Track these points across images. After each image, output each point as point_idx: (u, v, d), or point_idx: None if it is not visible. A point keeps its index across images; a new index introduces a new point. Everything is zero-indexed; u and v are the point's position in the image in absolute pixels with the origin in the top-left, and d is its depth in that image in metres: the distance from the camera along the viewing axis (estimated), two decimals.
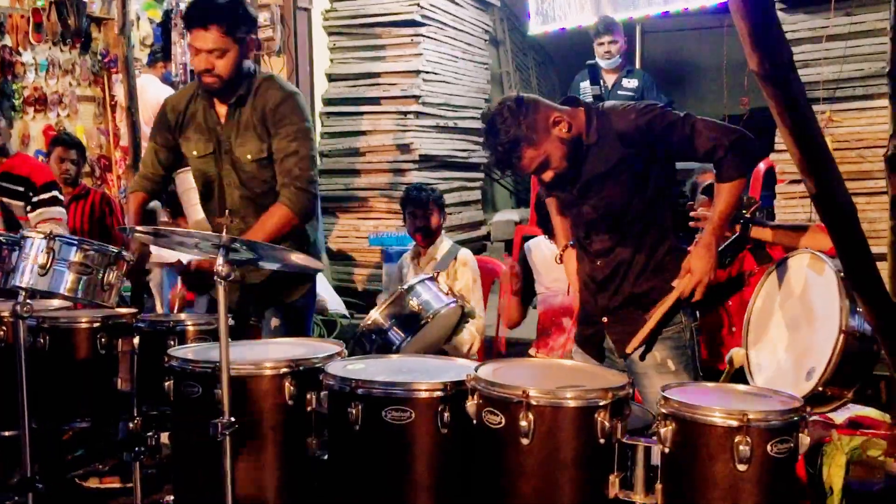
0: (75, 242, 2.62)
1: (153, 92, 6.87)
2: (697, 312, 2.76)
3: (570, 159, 2.60)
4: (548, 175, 2.62)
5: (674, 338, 2.64)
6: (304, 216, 3.04)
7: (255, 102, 3.05)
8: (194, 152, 3.17)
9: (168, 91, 6.85)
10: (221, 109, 3.09)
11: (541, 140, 2.54)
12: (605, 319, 2.72)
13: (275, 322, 3.19)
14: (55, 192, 4.00)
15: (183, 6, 6.48)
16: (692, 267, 2.54)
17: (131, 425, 2.95)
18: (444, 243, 4.09)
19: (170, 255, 4.94)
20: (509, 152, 2.54)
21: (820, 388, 2.24)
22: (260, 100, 3.04)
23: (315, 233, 3.29)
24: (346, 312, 5.85)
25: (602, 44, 5.81)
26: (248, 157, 3.06)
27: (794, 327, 2.50)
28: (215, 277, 2.19)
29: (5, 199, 4.05)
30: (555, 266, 3.72)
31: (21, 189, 4.03)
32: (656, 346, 2.64)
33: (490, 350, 4.33)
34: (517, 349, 4.47)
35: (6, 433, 2.97)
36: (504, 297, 3.82)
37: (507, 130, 2.51)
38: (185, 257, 4.91)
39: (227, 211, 2.43)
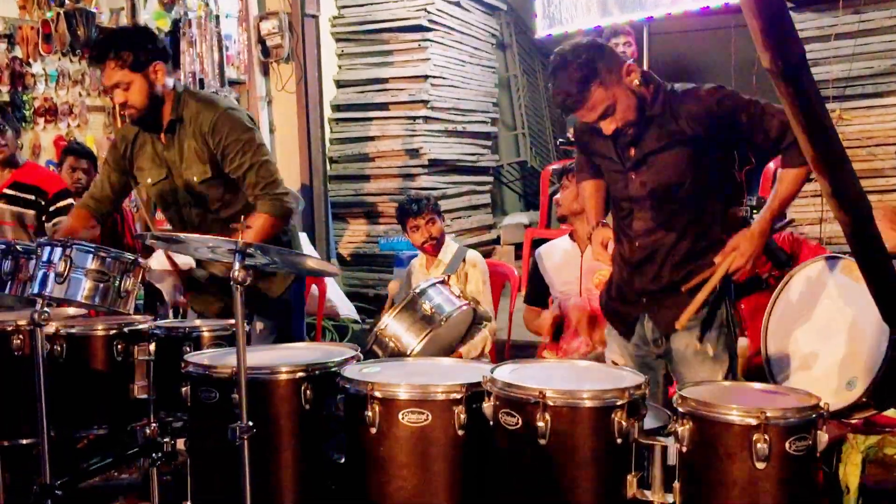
0: (92, 250, 2.63)
1: None
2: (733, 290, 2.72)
3: (635, 115, 2.53)
4: (608, 126, 2.53)
5: (704, 320, 2.60)
6: (285, 216, 3.09)
7: (190, 126, 3.07)
8: (148, 180, 3.21)
9: None
10: (163, 137, 3.14)
11: (612, 83, 2.47)
12: (644, 300, 2.68)
13: (259, 326, 3.20)
14: (70, 200, 4.01)
15: (191, 16, 6.53)
16: (741, 247, 2.48)
17: (148, 432, 2.97)
18: (451, 246, 4.08)
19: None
20: (580, 88, 2.44)
21: (864, 399, 2.22)
22: (194, 123, 3.06)
23: (289, 234, 3.31)
24: (357, 317, 5.87)
25: (617, 45, 5.81)
26: (195, 178, 3.10)
27: (828, 334, 2.46)
28: (231, 283, 2.20)
29: (16, 209, 4.07)
30: (565, 270, 3.73)
31: (32, 198, 4.05)
32: (695, 331, 2.60)
33: (502, 352, 4.33)
34: (527, 352, 4.47)
35: (23, 441, 2.99)
36: (538, 323, 3.82)
37: (581, 66, 2.43)
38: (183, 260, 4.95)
39: (241, 217, 2.45)
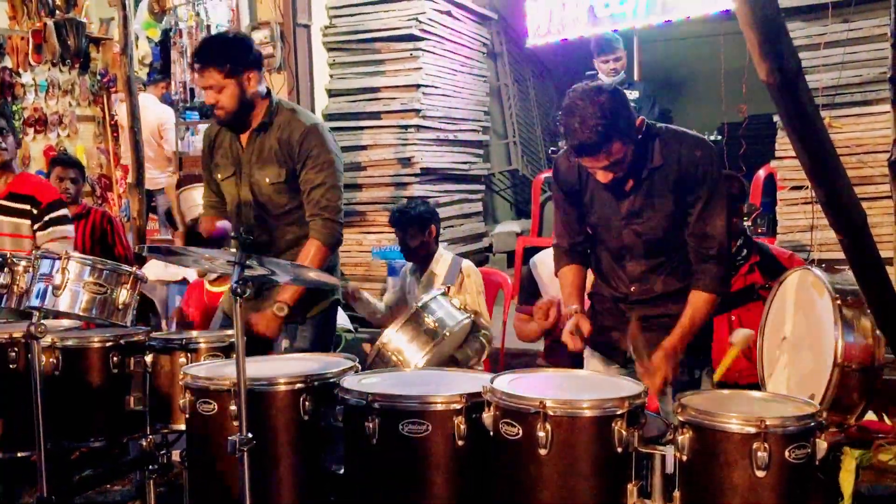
0: (89, 262, 2.63)
1: (152, 111, 6.91)
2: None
3: (630, 169, 2.56)
4: (608, 176, 2.54)
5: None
6: (334, 245, 3.22)
7: (277, 131, 3.17)
8: (218, 175, 3.33)
9: (167, 110, 6.89)
10: (244, 136, 3.24)
11: (628, 139, 2.49)
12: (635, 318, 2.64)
13: (284, 343, 3.24)
14: (64, 211, 4.00)
15: (182, 26, 6.53)
16: (661, 368, 2.50)
17: (144, 443, 2.97)
18: (445, 256, 4.08)
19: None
20: (601, 140, 2.42)
21: (820, 418, 2.24)
22: (283, 130, 3.17)
23: (335, 257, 3.39)
24: (350, 327, 5.86)
25: (607, 62, 5.84)
26: (267, 180, 3.19)
27: (799, 347, 2.50)
28: (231, 295, 2.20)
29: (12, 219, 4.04)
30: None
31: (27, 207, 4.02)
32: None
33: (496, 361, 4.34)
34: (523, 360, 4.48)
35: (19, 453, 2.98)
36: (527, 323, 3.80)
37: (606, 117, 2.41)
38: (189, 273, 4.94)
39: (240, 228, 2.45)
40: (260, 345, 3.04)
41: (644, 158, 2.58)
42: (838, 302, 2.25)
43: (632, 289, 2.72)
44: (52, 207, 3.97)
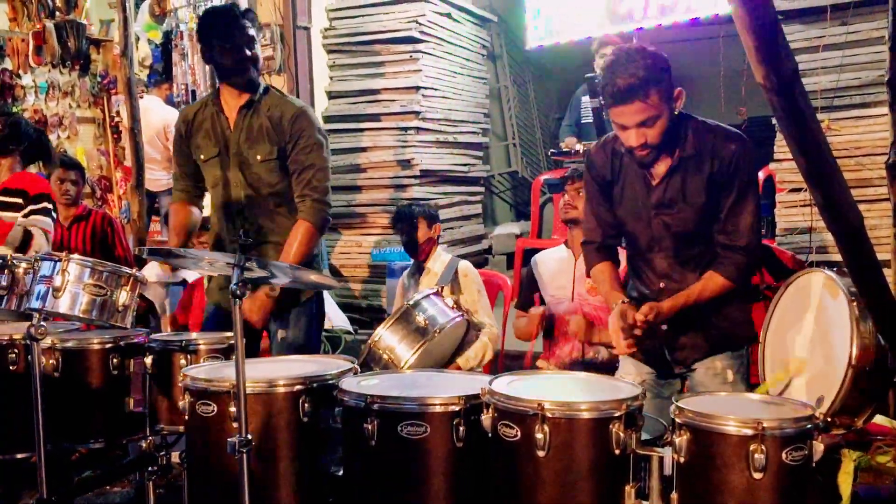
0: (89, 264, 2.63)
1: (156, 113, 6.93)
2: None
3: (663, 141, 2.51)
4: (640, 139, 2.47)
5: (734, 352, 2.65)
6: (323, 227, 3.24)
7: (267, 111, 3.22)
8: (202, 156, 3.34)
9: (172, 112, 6.91)
10: (231, 115, 3.26)
11: (664, 99, 2.46)
12: (664, 327, 2.64)
13: (281, 334, 3.24)
14: (46, 204, 4.02)
15: (183, 27, 6.54)
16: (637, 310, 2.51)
17: (144, 445, 2.97)
18: (443, 257, 4.11)
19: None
20: (643, 83, 2.40)
21: (828, 419, 2.24)
22: (274, 109, 3.22)
23: (320, 247, 3.42)
24: (350, 328, 5.87)
25: (605, 56, 5.85)
26: (258, 157, 3.22)
27: (808, 348, 2.49)
28: (230, 296, 2.21)
29: (4, 213, 4.06)
30: (559, 275, 3.76)
31: (18, 200, 4.04)
32: (719, 356, 2.65)
33: (496, 362, 4.35)
34: (522, 362, 4.49)
35: (18, 455, 2.98)
36: (525, 323, 3.81)
37: (652, 67, 2.41)
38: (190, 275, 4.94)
39: (241, 231, 2.46)
40: (248, 338, 3.04)
41: (677, 138, 2.54)
42: (854, 304, 2.26)
43: (661, 285, 2.67)
44: (38, 199, 3.98)
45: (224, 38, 3.14)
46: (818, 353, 2.44)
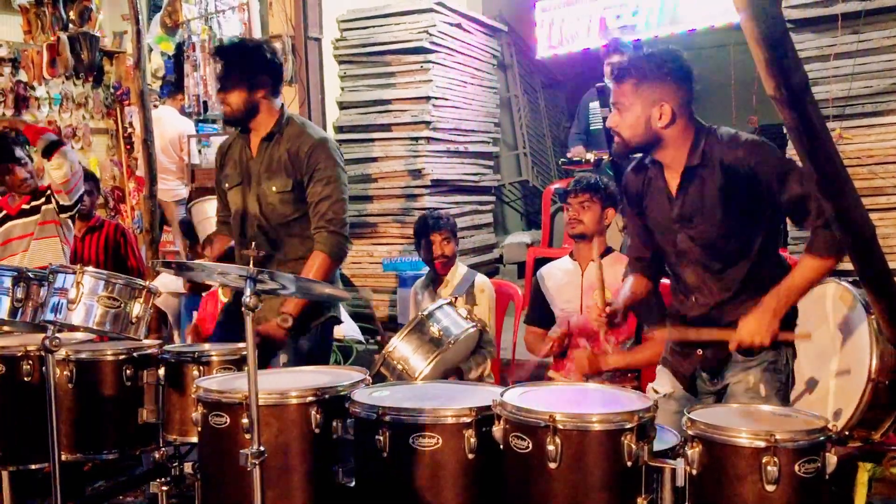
0: (103, 277, 2.66)
1: (170, 123, 6.98)
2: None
3: (637, 148, 2.56)
4: (613, 121, 2.54)
5: (770, 362, 2.53)
6: (339, 258, 3.26)
7: (287, 143, 3.25)
8: (226, 185, 3.40)
9: (187, 122, 6.96)
10: (255, 145, 3.31)
11: (641, 98, 2.48)
12: (699, 352, 2.64)
13: (283, 359, 3.22)
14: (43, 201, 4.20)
15: (195, 39, 6.58)
16: (745, 333, 2.42)
17: (156, 456, 2.99)
18: (460, 269, 4.09)
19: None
20: (619, 76, 2.50)
21: (846, 433, 2.23)
22: (293, 142, 3.25)
23: (336, 273, 3.42)
24: (361, 338, 5.87)
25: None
26: (273, 189, 3.25)
27: (822, 360, 2.47)
28: (243, 308, 2.22)
29: (24, 220, 4.18)
30: (566, 288, 3.74)
31: (39, 203, 4.18)
32: (751, 371, 2.53)
33: (504, 372, 4.34)
34: (532, 372, 4.48)
35: (32, 465, 3.00)
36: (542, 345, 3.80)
37: (653, 60, 2.48)
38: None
39: (251, 242, 2.47)
40: (263, 352, 3.05)
41: (682, 148, 2.54)
42: (873, 317, 2.23)
43: (692, 299, 2.63)
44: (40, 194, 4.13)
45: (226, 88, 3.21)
46: (832, 366, 2.42)
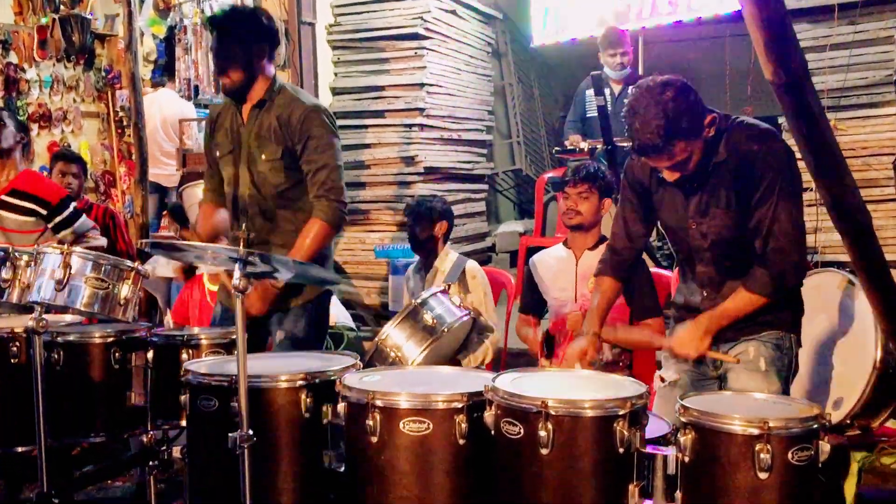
0: (91, 258, 2.62)
1: (169, 105, 6.92)
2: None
3: (699, 166, 2.47)
4: (674, 175, 2.47)
5: (773, 341, 2.54)
6: (338, 226, 3.21)
7: (277, 110, 3.18)
8: (217, 153, 3.33)
9: (187, 105, 6.91)
10: (246, 112, 3.25)
11: (693, 137, 2.39)
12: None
13: (280, 335, 3.20)
14: (73, 206, 4.04)
15: (187, 22, 6.53)
16: (675, 342, 2.56)
17: (145, 439, 2.97)
18: (451, 255, 4.08)
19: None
20: (664, 143, 2.36)
21: (848, 421, 2.23)
22: (284, 109, 3.17)
23: (329, 247, 3.36)
24: (353, 325, 5.85)
25: (614, 55, 5.83)
26: (263, 156, 3.18)
27: (821, 349, 2.47)
28: (233, 291, 2.20)
29: (16, 216, 4.02)
30: (560, 277, 3.72)
31: (33, 206, 4.00)
32: (752, 342, 2.55)
33: (498, 361, 4.33)
34: (524, 360, 4.47)
35: (19, 448, 2.97)
36: (531, 332, 3.78)
37: (668, 118, 2.33)
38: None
39: (243, 225, 2.44)
40: (255, 333, 3.02)
41: (713, 154, 2.48)
42: None
43: (704, 293, 2.63)
44: (62, 206, 4.00)
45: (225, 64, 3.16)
46: (832, 355, 2.42)
